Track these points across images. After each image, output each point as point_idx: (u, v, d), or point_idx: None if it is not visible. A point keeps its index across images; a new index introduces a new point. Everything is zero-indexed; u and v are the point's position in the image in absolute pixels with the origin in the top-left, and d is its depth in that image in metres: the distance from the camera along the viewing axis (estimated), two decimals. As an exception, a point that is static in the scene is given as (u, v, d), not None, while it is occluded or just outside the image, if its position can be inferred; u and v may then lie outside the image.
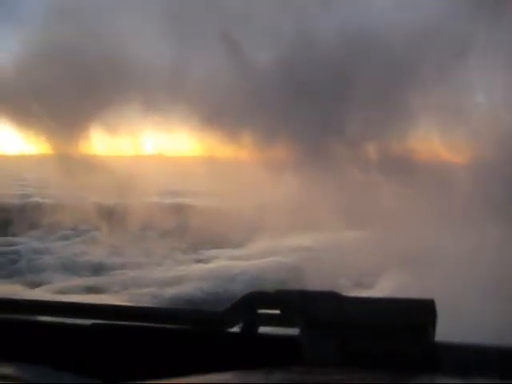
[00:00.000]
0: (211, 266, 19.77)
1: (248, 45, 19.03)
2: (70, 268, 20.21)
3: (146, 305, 14.78)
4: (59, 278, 18.76)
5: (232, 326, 1.33)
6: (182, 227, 23.99)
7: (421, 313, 1.16)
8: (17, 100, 19.46)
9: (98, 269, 20.02)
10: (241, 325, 1.33)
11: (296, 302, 1.25)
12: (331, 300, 1.22)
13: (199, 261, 21.11)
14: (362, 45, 17.19)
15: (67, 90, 19.20)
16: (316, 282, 17.10)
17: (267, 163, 21.39)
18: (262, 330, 1.34)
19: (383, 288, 14.52)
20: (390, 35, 16.97)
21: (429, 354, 1.12)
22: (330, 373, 1.11)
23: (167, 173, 28.73)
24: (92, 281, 18.58)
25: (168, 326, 1.40)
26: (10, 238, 22.97)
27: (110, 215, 23.62)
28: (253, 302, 1.29)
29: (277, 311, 1.28)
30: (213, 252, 21.82)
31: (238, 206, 22.82)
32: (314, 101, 17.64)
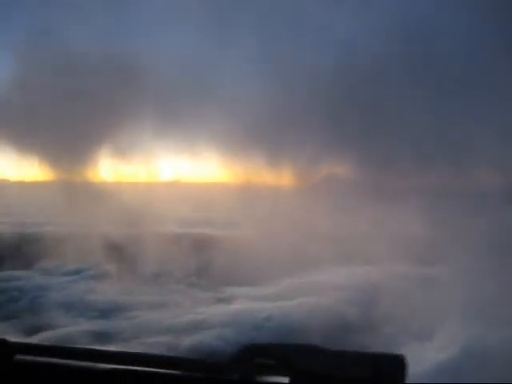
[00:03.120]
0: (234, 308, 17.44)
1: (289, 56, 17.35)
2: (77, 308, 18.06)
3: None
4: (64, 322, 16.57)
5: (233, 374, 1.47)
6: (201, 260, 22.04)
7: (390, 366, 1.33)
8: (19, 122, 17.60)
9: (107, 309, 17.86)
10: (240, 373, 1.47)
11: (286, 355, 1.41)
12: (314, 353, 1.40)
13: (220, 300, 18.84)
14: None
15: (74, 110, 17.29)
16: (355, 330, 14.88)
17: (302, 191, 19.51)
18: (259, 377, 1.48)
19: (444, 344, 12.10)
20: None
21: None
22: None
23: (185, 201, 26.71)
24: (100, 325, 16.39)
25: (177, 372, 1.54)
26: (12, 272, 20.99)
27: (123, 247, 21.66)
28: (251, 353, 1.45)
29: (271, 361, 1.43)
30: (235, 290, 19.58)
31: (265, 236, 20.85)
32: (366, 125, 15.78)
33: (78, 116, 17.70)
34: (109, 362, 1.62)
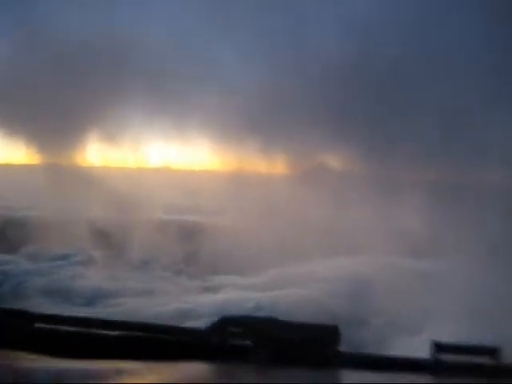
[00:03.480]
0: (221, 297, 17.29)
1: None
2: (62, 294, 17.78)
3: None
4: (47, 308, 16.28)
5: (211, 339, 1.91)
6: (189, 248, 21.86)
7: (326, 333, 1.86)
8: (6, 104, 17.19)
9: (93, 296, 17.62)
10: (216, 338, 1.89)
11: (250, 324, 1.85)
12: (272, 323, 1.87)
13: (207, 289, 18.67)
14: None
15: (61, 92, 16.90)
16: (343, 322, 14.73)
17: (293, 180, 19.33)
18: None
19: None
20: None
21: (331, 359, 1.81)
22: (265, 369, 1.77)
23: (174, 187, 26.40)
24: (85, 312, 16.09)
25: (166, 337, 1.95)
26: (-3, 256, 20.68)
27: (110, 233, 21.40)
28: (224, 323, 1.89)
29: (240, 330, 1.85)
30: (223, 279, 19.41)
31: (255, 225, 20.68)
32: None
33: (67, 99, 17.34)
34: (112, 330, 1.94)
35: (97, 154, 21.32)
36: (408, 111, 17.73)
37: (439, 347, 1.81)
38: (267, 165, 22.08)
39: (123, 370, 1.81)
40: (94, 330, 1.95)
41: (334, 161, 18.89)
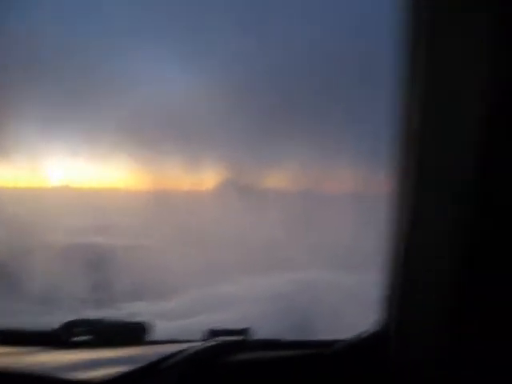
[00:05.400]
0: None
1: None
2: None
3: None
4: None
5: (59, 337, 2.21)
6: (98, 273, 19.90)
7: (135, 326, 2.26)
8: None
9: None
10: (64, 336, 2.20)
11: (88, 324, 2.25)
12: (102, 323, 2.27)
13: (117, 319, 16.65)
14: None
15: None
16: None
17: (216, 197, 18.14)
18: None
19: None
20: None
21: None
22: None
23: (80, 208, 24.23)
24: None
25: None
26: None
27: (4, 262, 19.03)
28: (70, 325, 2.23)
29: (83, 329, 2.23)
30: (135, 306, 17.56)
31: (174, 246, 19.23)
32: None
33: None
34: None
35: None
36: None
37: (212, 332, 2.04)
38: (187, 181, 20.74)
39: None
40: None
41: (256, 176, 17.76)
